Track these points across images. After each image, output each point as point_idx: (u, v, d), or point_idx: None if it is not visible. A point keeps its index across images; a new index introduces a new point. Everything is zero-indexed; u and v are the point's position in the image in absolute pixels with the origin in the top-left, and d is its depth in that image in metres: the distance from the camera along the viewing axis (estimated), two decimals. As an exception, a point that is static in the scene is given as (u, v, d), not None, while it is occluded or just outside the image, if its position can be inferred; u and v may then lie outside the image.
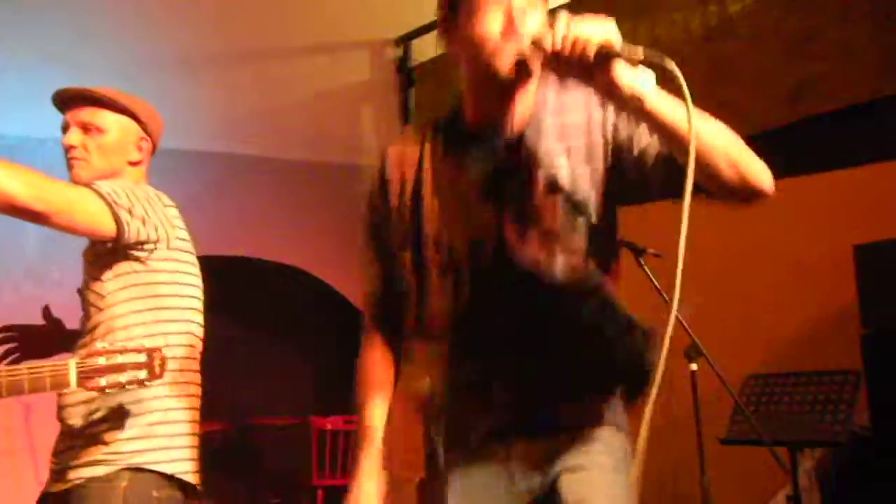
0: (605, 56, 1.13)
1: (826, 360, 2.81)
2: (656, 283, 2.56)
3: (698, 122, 1.11)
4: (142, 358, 1.62)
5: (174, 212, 1.95)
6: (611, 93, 1.17)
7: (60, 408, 1.78)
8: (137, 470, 1.74)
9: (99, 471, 1.73)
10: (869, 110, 2.90)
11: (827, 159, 3.05)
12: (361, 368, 1.52)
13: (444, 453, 1.41)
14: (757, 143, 3.39)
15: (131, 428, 1.75)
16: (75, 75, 4.36)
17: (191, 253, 1.96)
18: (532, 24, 1.26)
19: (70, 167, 1.90)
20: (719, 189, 1.21)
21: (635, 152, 1.30)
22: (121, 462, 1.73)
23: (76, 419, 1.75)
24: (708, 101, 3.89)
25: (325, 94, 4.91)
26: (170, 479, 1.77)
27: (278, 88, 4.77)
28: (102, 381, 1.59)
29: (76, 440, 1.76)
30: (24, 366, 1.60)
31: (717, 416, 2.68)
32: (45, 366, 1.59)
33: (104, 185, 1.78)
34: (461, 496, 1.38)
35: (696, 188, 1.11)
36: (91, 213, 1.72)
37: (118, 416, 1.76)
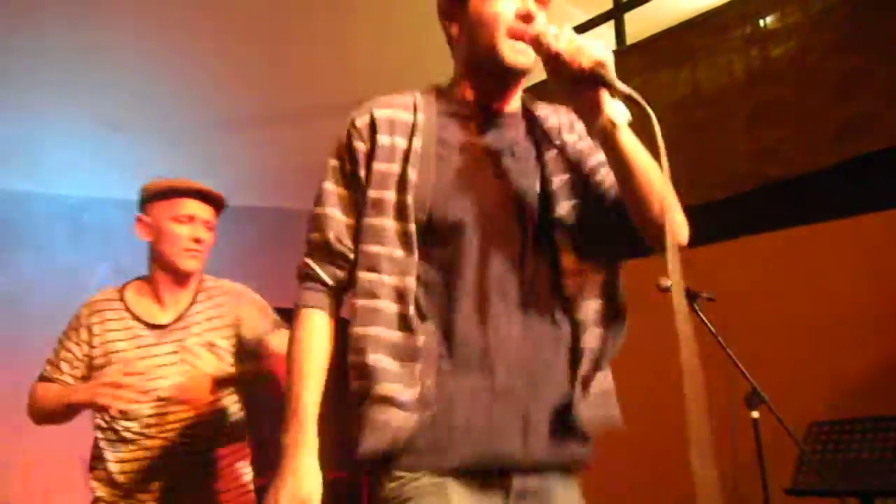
0: (598, 74, 1.17)
1: (894, 406, 2.71)
2: (711, 327, 2.51)
3: (654, 166, 1.19)
4: None
5: None
6: (590, 110, 1.21)
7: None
8: None
9: None
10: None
11: (885, 198, 2.99)
12: (300, 333, 1.31)
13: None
14: (802, 183, 3.33)
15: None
16: (132, 140, 4.57)
17: None
18: (542, 19, 1.28)
19: (188, 257, 2.04)
20: (643, 225, 1.24)
21: (591, 163, 1.34)
22: None
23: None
24: (752, 142, 3.85)
25: (372, 149, 5.02)
26: None
27: (325, 144, 4.89)
28: None
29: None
30: None
31: (783, 465, 2.59)
32: None
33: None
34: None
35: (622, 233, 1.23)
36: None
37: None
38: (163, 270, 2.06)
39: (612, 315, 1.32)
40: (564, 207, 1.31)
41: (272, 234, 4.80)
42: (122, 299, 2.08)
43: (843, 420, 2.65)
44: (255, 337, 2.10)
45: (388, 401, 1.20)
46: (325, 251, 1.33)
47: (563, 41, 1.19)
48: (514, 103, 1.38)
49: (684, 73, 3.67)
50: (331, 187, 1.35)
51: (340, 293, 1.34)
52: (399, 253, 1.25)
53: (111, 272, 4.60)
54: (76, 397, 1.91)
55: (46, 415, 2.02)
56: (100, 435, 2.01)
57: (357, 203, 1.31)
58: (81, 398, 1.89)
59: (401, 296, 1.24)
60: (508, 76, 1.33)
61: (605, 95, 1.20)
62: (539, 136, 1.37)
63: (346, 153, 1.35)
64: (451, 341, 1.23)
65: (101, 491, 1.99)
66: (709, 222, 3.12)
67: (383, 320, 1.23)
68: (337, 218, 1.32)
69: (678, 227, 1.24)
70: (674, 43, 3.92)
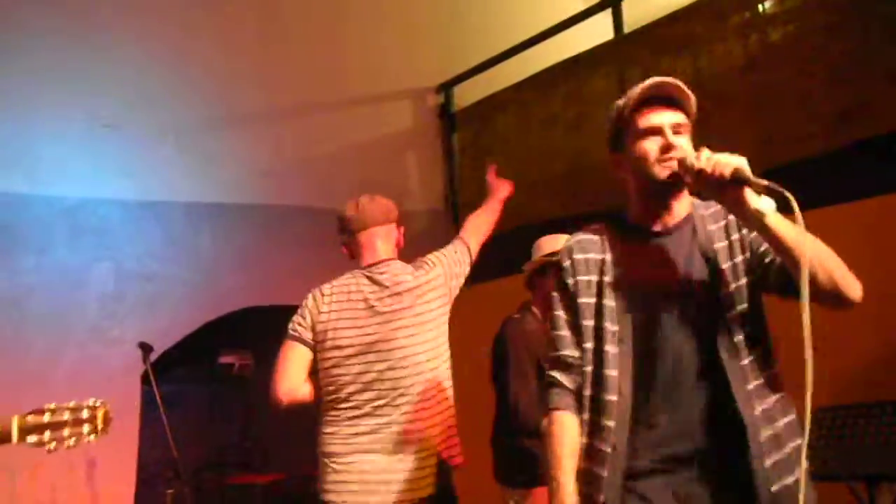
0: (738, 179, 1.48)
1: (897, 390, 2.70)
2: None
3: (807, 239, 1.47)
4: (83, 414, 1.73)
5: None
6: (738, 207, 1.53)
7: None
8: None
9: None
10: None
11: (886, 182, 2.97)
12: (555, 431, 1.68)
13: None
14: (803, 168, 3.31)
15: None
16: (128, 139, 4.55)
17: None
18: (683, 146, 1.62)
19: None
20: (815, 293, 1.48)
21: (759, 250, 1.64)
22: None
23: None
24: (753, 128, 3.84)
25: (369, 143, 5.01)
26: None
27: (323, 140, 4.88)
28: (46, 436, 1.68)
29: None
30: None
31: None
32: None
33: None
34: None
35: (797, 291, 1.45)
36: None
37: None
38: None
39: None
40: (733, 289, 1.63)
41: (270, 231, 4.78)
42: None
43: (847, 405, 2.64)
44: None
45: None
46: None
47: (703, 160, 1.53)
48: (679, 215, 1.70)
49: (684, 60, 3.65)
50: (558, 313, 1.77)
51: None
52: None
53: (111, 272, 4.61)
54: None
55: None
56: None
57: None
58: None
59: None
60: (666, 191, 1.67)
61: (747, 192, 1.50)
62: (708, 233, 1.68)
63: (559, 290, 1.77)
64: None
65: None
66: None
67: None
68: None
69: (851, 285, 1.56)
70: (672, 30, 3.90)
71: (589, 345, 1.67)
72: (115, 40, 3.68)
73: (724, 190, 1.52)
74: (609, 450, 1.59)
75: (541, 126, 4.72)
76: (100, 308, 4.40)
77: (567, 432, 1.65)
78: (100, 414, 1.74)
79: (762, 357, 1.64)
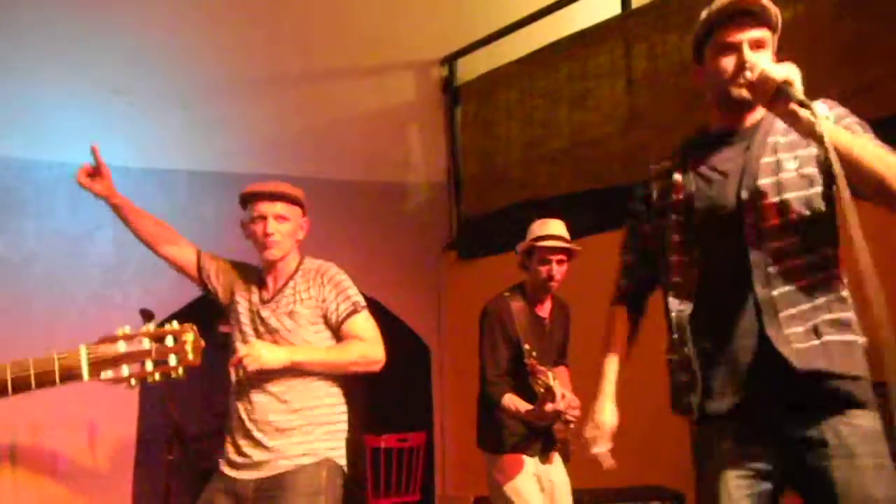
0: (783, 91, 1.50)
1: None
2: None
3: (860, 144, 1.52)
4: (168, 342, 1.44)
5: None
6: (788, 118, 1.53)
7: (268, 412, 2.31)
8: (327, 460, 2.36)
9: (308, 460, 2.32)
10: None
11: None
12: (613, 324, 1.91)
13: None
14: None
15: (328, 429, 2.38)
16: (133, 106, 4.53)
17: None
18: (758, 63, 1.59)
19: (265, 249, 2.40)
20: (870, 192, 1.52)
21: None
22: (322, 454, 2.35)
23: (288, 423, 2.31)
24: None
25: (372, 115, 4.99)
26: (343, 471, 2.42)
27: (326, 110, 4.86)
28: (123, 371, 1.42)
29: (283, 438, 2.31)
30: (32, 359, 1.42)
31: None
32: (53, 357, 1.43)
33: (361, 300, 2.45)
34: None
35: (855, 191, 1.44)
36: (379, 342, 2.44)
37: (321, 421, 2.36)
38: (261, 261, 2.46)
39: None
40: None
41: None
42: (253, 271, 2.50)
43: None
44: (336, 319, 2.42)
45: None
46: None
47: (756, 73, 1.56)
48: (752, 120, 1.74)
49: (690, 36, 3.62)
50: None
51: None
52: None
53: (111, 240, 4.62)
54: None
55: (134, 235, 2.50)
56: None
57: None
58: None
59: None
60: (738, 106, 1.70)
61: (796, 106, 1.50)
62: (780, 139, 1.69)
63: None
64: None
65: (226, 433, 2.39)
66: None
67: None
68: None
69: None
70: (681, 6, 3.86)
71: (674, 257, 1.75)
72: (121, 6, 3.65)
73: (775, 102, 1.53)
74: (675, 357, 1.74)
75: (544, 101, 4.70)
76: (101, 274, 4.42)
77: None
78: (189, 339, 1.45)
79: (813, 264, 1.63)
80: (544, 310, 2.97)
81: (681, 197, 1.75)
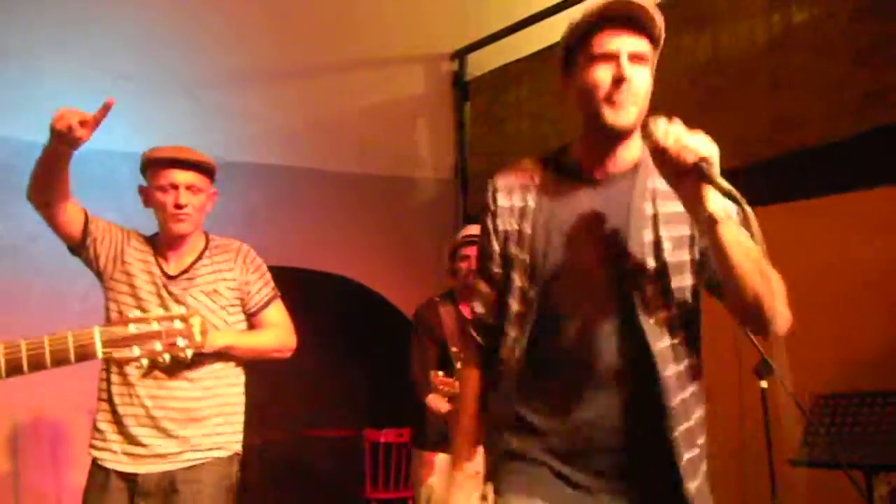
0: (701, 171, 1.26)
1: (901, 380, 2.68)
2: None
3: (754, 258, 1.28)
4: (177, 325, 1.49)
5: None
6: (693, 202, 1.31)
7: (172, 398, 2.17)
8: (237, 454, 2.28)
9: (221, 454, 2.23)
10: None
11: (899, 171, 2.92)
12: (467, 384, 1.63)
13: None
14: (823, 154, 3.27)
15: (237, 420, 2.29)
16: (138, 92, 4.50)
17: None
18: (641, 84, 1.41)
19: (175, 221, 2.24)
20: (739, 315, 1.38)
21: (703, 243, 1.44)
22: (232, 448, 2.27)
23: (202, 411, 2.19)
24: (772, 109, 3.76)
25: (381, 108, 4.95)
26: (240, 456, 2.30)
27: (335, 102, 4.82)
28: (135, 351, 1.46)
29: (196, 428, 2.19)
30: (46, 337, 1.43)
31: (788, 437, 2.57)
32: (68, 336, 1.45)
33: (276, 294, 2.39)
34: None
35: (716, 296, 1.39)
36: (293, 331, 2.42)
37: (231, 410, 2.27)
38: (163, 233, 2.31)
39: None
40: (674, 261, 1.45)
41: (276, 192, 4.75)
42: (147, 241, 2.32)
43: (850, 393, 2.63)
44: (255, 304, 2.33)
45: None
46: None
47: (671, 139, 1.29)
48: (625, 161, 1.48)
49: (705, 37, 3.58)
50: None
51: None
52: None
53: (113, 222, 4.58)
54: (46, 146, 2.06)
55: (38, 183, 2.23)
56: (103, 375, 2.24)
57: None
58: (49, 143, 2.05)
59: None
60: (612, 136, 1.45)
61: (708, 190, 1.28)
62: (654, 190, 1.46)
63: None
64: None
65: (103, 424, 2.22)
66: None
67: None
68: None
69: (775, 318, 1.34)
70: (695, 6, 3.82)
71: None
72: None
73: (683, 178, 1.30)
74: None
75: (555, 98, 4.65)
76: (103, 260, 4.39)
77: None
78: (196, 323, 1.50)
79: (687, 342, 1.45)
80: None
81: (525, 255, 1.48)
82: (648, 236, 1.43)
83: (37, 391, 3.74)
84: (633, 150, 1.48)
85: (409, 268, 5.07)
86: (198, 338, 1.50)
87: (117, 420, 2.19)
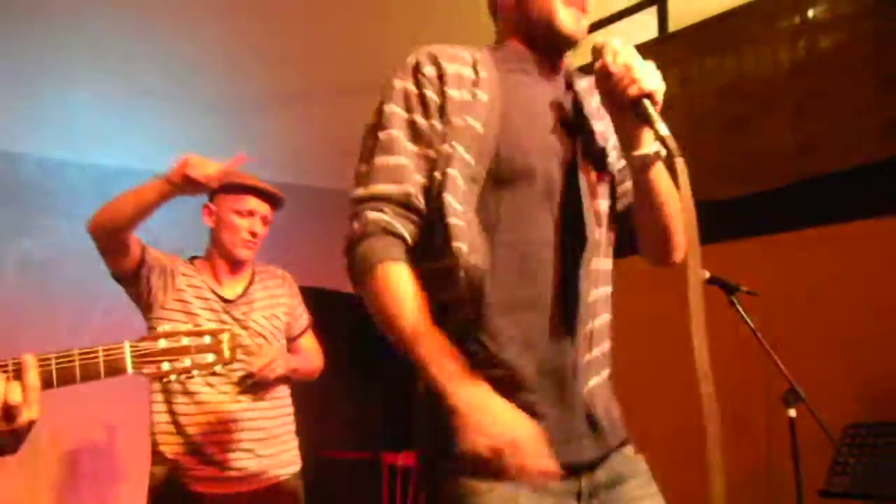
0: (640, 107, 1.15)
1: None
2: (749, 321, 2.45)
3: (675, 200, 1.23)
4: (206, 340, 1.48)
5: None
6: (628, 137, 1.22)
7: (253, 419, 2.24)
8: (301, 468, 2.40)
9: (295, 469, 2.35)
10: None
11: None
12: (391, 281, 1.25)
13: None
14: (849, 178, 3.23)
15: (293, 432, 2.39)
16: (168, 110, 4.57)
17: None
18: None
19: (244, 247, 2.32)
20: (649, 248, 1.34)
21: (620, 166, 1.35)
22: (299, 460, 2.38)
23: (276, 427, 2.29)
24: (797, 135, 3.74)
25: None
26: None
27: (354, 124, 4.86)
28: (165, 366, 1.45)
29: (274, 446, 2.28)
30: (76, 351, 1.41)
31: (818, 466, 2.52)
32: (98, 350, 1.43)
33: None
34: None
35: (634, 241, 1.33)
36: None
37: (292, 423, 2.37)
38: (220, 256, 2.34)
39: None
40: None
41: (302, 213, 4.79)
42: (193, 265, 2.35)
43: (881, 423, 2.58)
44: (299, 328, 2.44)
45: None
46: None
47: (619, 64, 1.17)
48: (558, 66, 1.36)
49: (728, 62, 3.57)
50: None
51: None
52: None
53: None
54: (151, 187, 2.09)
55: (121, 216, 2.19)
56: (158, 388, 2.24)
57: None
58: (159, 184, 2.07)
59: None
60: (562, 45, 1.32)
61: (645, 131, 1.19)
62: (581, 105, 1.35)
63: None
64: None
65: (164, 445, 2.22)
66: (750, 215, 3.04)
67: None
68: None
69: (679, 246, 1.31)
70: (719, 31, 3.82)
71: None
72: (156, 11, 3.68)
73: (621, 110, 1.18)
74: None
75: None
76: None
77: None
78: (225, 339, 1.48)
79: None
80: None
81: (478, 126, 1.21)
82: (609, 136, 1.32)
83: (56, 410, 3.77)
84: (571, 61, 1.38)
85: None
86: (227, 353, 1.50)
87: (192, 445, 2.18)
